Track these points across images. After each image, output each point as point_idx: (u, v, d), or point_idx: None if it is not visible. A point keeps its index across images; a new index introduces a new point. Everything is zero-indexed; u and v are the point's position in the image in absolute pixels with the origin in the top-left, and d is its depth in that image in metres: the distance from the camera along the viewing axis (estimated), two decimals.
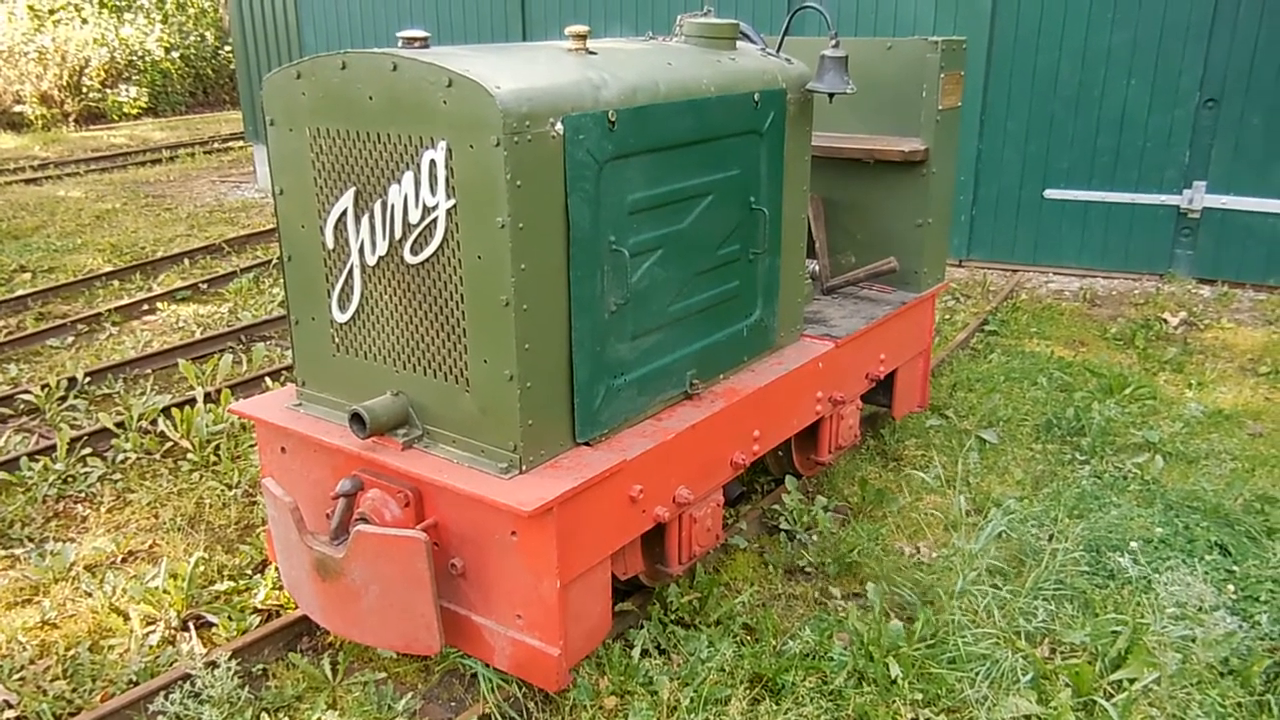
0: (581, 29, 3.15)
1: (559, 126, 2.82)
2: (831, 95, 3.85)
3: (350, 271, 3.18)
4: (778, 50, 3.89)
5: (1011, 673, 3.29)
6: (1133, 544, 4.03)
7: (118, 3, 22.99)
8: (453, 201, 2.84)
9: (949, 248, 6.14)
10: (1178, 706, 3.16)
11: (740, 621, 3.64)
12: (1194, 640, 3.39)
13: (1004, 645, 3.43)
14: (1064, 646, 3.50)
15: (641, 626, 3.57)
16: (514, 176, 2.72)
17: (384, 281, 3.11)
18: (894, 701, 3.20)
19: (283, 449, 3.50)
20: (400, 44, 2.93)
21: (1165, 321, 7.08)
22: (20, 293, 8.12)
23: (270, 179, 3.33)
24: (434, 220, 2.90)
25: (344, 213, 3.12)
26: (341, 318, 3.27)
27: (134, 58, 21.91)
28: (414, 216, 2.94)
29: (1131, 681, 3.22)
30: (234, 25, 12.56)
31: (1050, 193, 8.37)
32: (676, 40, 3.71)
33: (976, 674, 3.29)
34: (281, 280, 3.43)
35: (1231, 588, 3.77)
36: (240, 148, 16.59)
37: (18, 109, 19.57)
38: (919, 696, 3.22)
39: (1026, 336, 6.88)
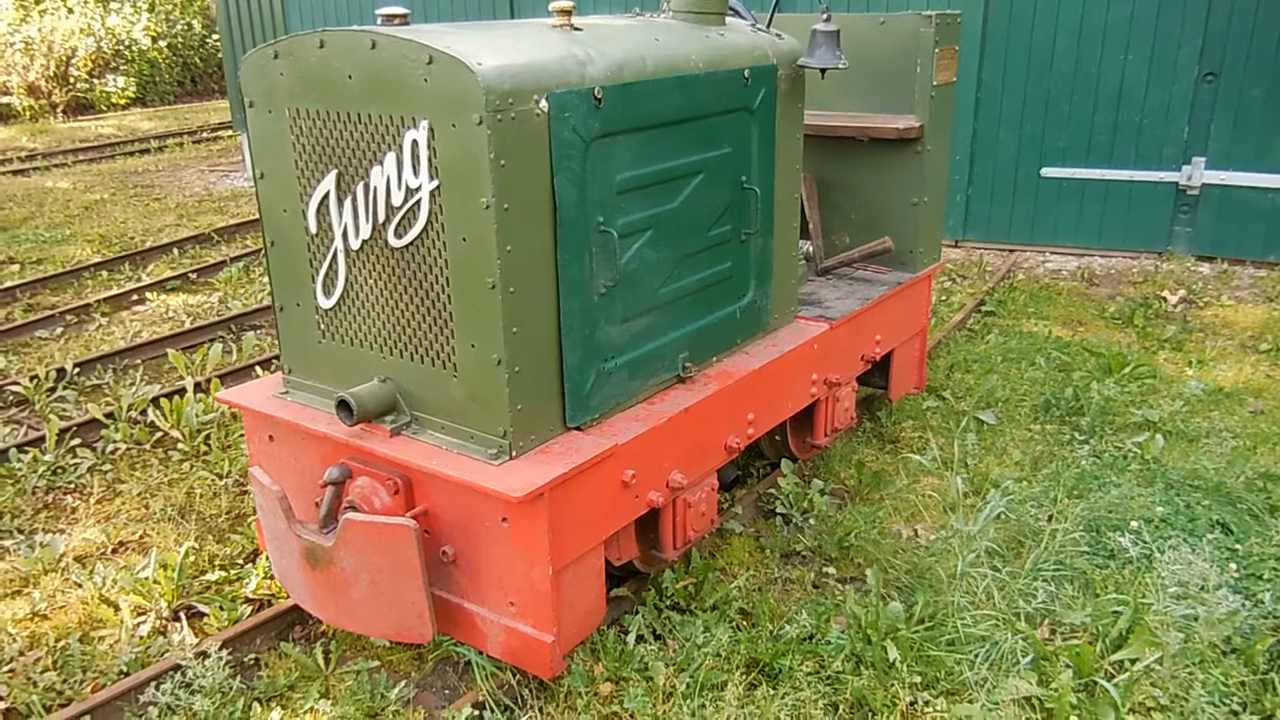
0: (566, 4, 3.07)
1: (544, 104, 2.76)
2: (823, 71, 3.79)
3: (334, 256, 3.12)
4: (768, 25, 3.82)
5: (1011, 654, 3.25)
6: (1133, 523, 3.99)
7: None
8: (436, 183, 2.77)
9: (944, 227, 6.09)
10: (1180, 686, 3.12)
11: (736, 606, 3.61)
12: (1196, 619, 3.35)
13: (1004, 627, 3.39)
14: (1064, 627, 3.46)
15: (636, 612, 3.53)
16: (498, 156, 2.65)
17: (368, 266, 3.05)
18: (892, 685, 3.16)
19: (270, 437, 3.45)
20: (380, 21, 2.86)
21: (1164, 300, 7.03)
22: (9, 284, 8.05)
23: (250, 162, 3.27)
24: (417, 202, 2.83)
25: (326, 196, 3.05)
26: (326, 303, 3.21)
27: (121, 47, 21.73)
28: (397, 199, 2.88)
29: (1133, 662, 3.19)
30: (220, 12, 12.42)
31: (1047, 171, 8.29)
32: (664, 16, 3.64)
33: (976, 656, 3.26)
34: (265, 266, 3.37)
35: (1234, 566, 3.73)
36: (229, 136, 16.47)
37: (4, 100, 19.43)
38: (918, 679, 3.18)
39: (1024, 316, 6.83)
